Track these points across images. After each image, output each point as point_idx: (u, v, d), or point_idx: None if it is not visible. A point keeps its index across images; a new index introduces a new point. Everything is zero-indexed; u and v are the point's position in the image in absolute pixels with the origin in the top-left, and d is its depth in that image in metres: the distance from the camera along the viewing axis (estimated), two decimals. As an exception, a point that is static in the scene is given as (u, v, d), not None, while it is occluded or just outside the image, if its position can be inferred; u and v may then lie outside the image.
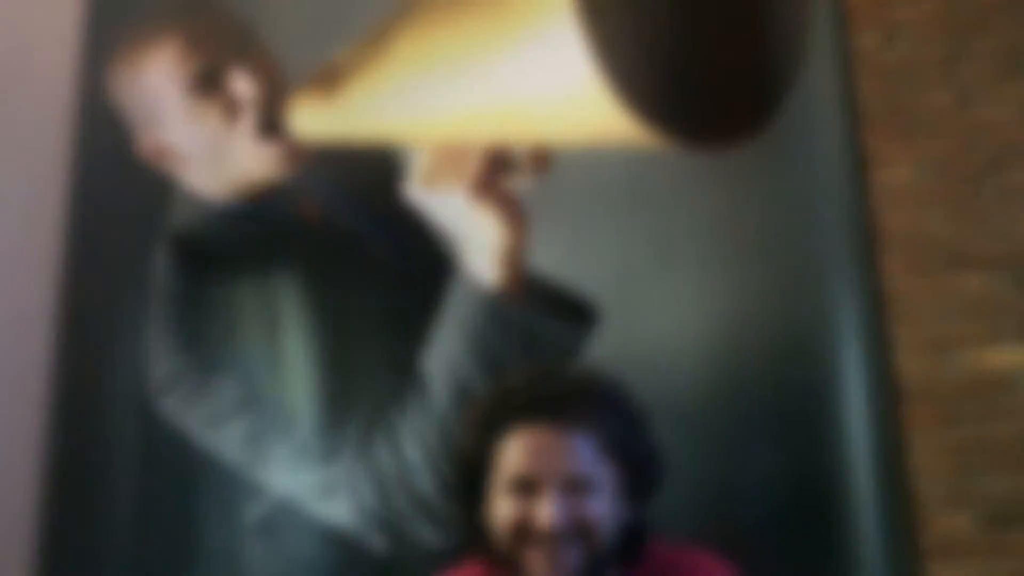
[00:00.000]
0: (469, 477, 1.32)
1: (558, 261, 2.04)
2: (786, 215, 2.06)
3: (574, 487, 1.24)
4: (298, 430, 2.16)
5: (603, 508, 1.25)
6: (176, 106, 2.21)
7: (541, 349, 1.92)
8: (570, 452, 1.25)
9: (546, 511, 1.22)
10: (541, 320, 1.92)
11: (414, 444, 2.05)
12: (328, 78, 1.80)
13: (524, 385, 1.32)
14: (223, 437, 2.19)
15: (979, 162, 2.03)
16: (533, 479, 1.24)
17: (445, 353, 1.97)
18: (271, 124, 2.11)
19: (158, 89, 2.23)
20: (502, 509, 1.25)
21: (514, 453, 1.26)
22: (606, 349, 1.96)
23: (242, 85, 2.15)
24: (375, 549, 2.08)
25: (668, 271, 2.09)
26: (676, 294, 2.07)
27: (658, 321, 2.06)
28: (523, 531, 1.23)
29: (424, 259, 2.10)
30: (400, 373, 2.07)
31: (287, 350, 2.20)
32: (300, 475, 2.14)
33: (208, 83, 2.17)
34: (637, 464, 1.31)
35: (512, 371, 1.43)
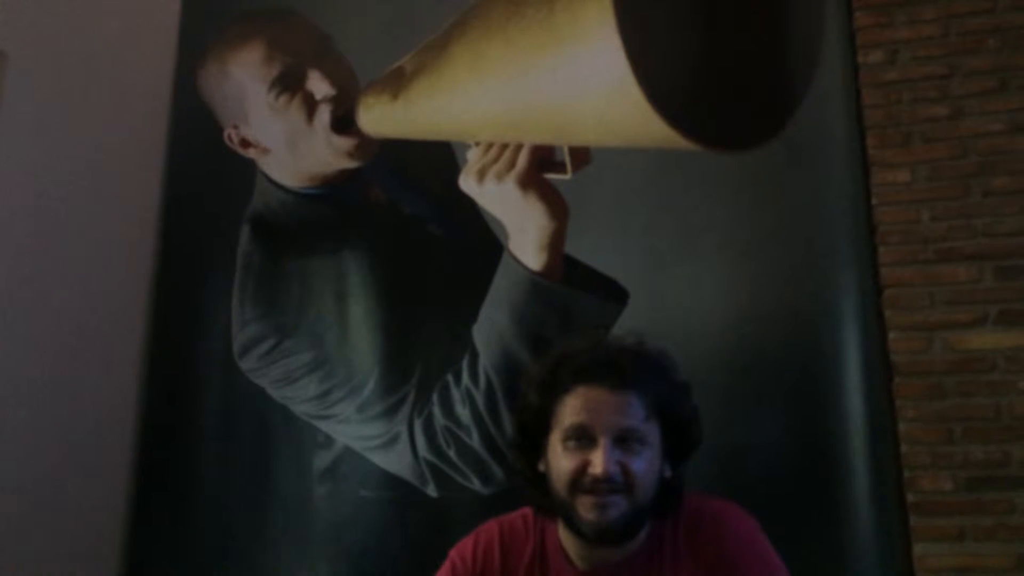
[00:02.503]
0: (531, 431, 1.38)
1: (594, 247, 2.18)
2: (795, 210, 2.18)
3: (626, 440, 1.28)
4: (362, 389, 2.32)
5: (648, 463, 1.29)
6: (259, 102, 2.37)
7: (577, 323, 2.07)
8: (624, 408, 1.30)
9: (600, 459, 1.26)
10: (578, 297, 2.08)
11: (464, 404, 2.22)
12: (394, 80, 1.89)
13: (584, 350, 1.37)
14: (295, 394, 2.38)
15: (968, 167, 2.15)
16: (590, 430, 1.29)
17: (493, 324, 2.14)
18: (344, 120, 2.22)
19: (244, 86, 2.40)
20: (561, 460, 1.30)
21: (573, 407, 1.31)
22: (634, 325, 1.95)
23: (319, 85, 2.29)
24: (428, 494, 2.25)
25: (690, 258, 2.21)
26: (697, 278, 2.20)
27: (680, 301, 2.18)
28: (579, 478, 1.28)
29: (476, 240, 2.25)
30: (453, 341, 2.25)
31: (354, 318, 2.37)
32: (363, 428, 2.32)
33: (289, 82, 2.32)
34: (679, 426, 1.35)
35: (571, 338, 1.48)
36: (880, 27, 2.27)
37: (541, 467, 1.37)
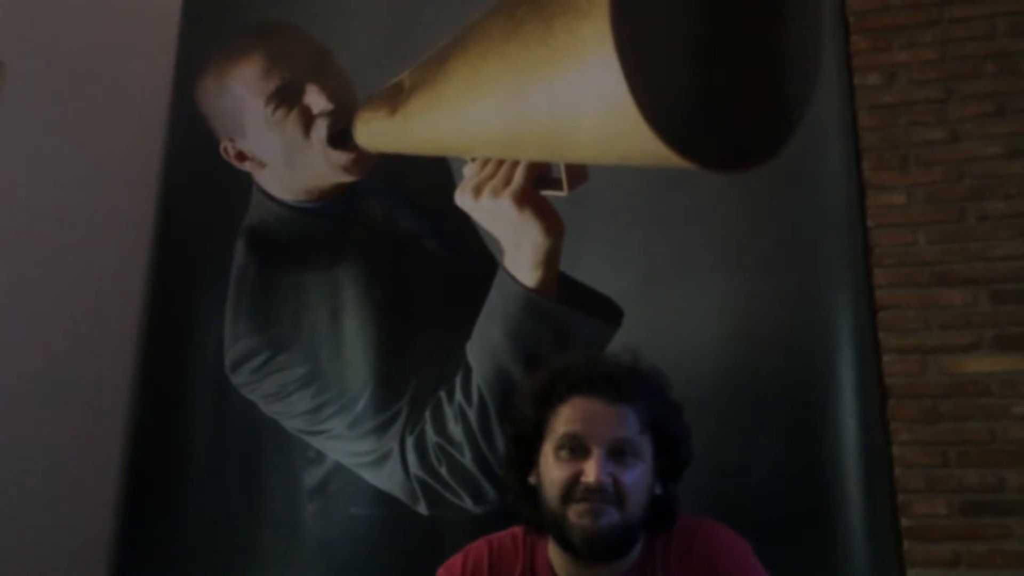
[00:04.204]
0: (525, 443, 1.38)
1: (590, 265, 2.19)
2: (791, 232, 2.17)
3: (619, 452, 1.29)
4: (354, 405, 2.31)
5: (640, 477, 1.30)
6: (257, 116, 2.37)
7: (571, 341, 2.06)
8: (618, 420, 1.30)
9: (593, 468, 1.27)
10: (572, 315, 2.07)
11: (456, 421, 2.21)
12: (392, 96, 1.92)
13: (580, 364, 1.38)
14: (287, 409, 2.36)
15: (964, 191, 2.15)
16: (583, 440, 1.29)
17: (486, 341, 2.13)
18: (341, 134, 2.21)
19: (242, 100, 2.41)
20: (554, 470, 1.31)
21: (568, 417, 1.32)
22: (629, 344, 2.06)
23: (317, 99, 2.30)
24: (419, 512, 2.23)
25: (686, 278, 2.21)
26: (692, 299, 2.19)
27: (675, 322, 2.17)
28: (571, 488, 1.28)
29: (472, 257, 2.25)
30: (447, 357, 2.23)
31: (347, 333, 2.36)
32: (354, 444, 2.30)
33: (287, 96, 2.32)
34: (671, 443, 1.35)
35: (569, 353, 1.48)
36: (877, 51, 2.28)
37: (532, 480, 1.37)
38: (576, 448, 1.30)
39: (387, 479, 2.26)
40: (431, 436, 2.23)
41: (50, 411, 2.27)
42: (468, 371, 2.19)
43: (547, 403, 1.36)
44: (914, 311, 2.12)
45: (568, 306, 2.06)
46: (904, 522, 2.01)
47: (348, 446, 2.31)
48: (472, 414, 2.18)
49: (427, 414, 2.25)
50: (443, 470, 2.21)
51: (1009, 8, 2.22)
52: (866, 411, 2.06)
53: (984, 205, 2.14)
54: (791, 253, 2.17)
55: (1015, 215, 2.12)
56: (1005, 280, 2.09)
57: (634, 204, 2.27)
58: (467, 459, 2.18)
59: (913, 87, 2.24)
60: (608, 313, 2.16)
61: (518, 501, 1.41)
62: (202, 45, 2.66)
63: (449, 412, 2.22)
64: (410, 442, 2.25)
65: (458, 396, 2.21)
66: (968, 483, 2.01)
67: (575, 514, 1.28)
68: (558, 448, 1.31)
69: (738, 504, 1.96)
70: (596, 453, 1.29)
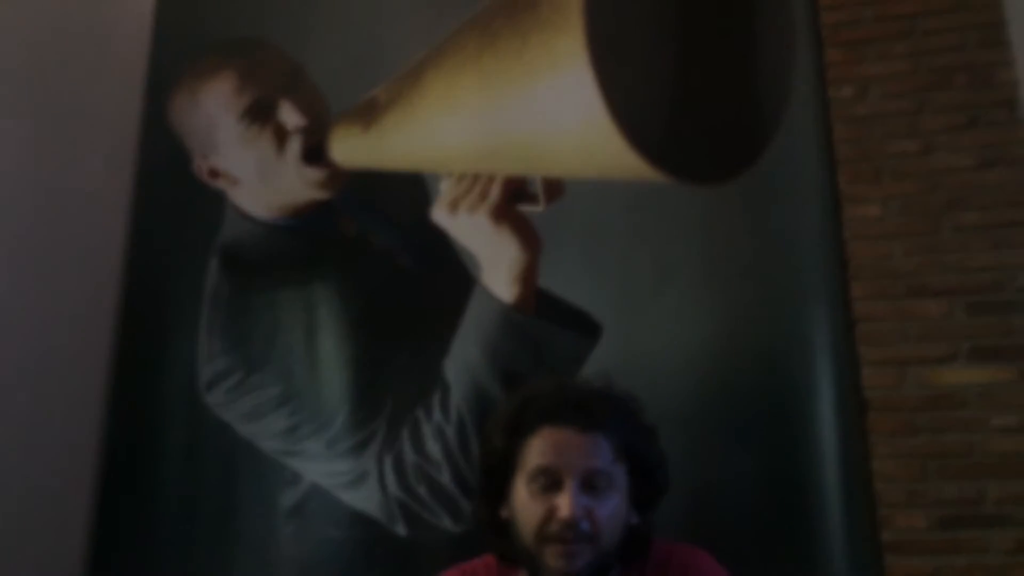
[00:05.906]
0: (495, 474, 1.34)
1: (567, 280, 2.16)
2: (768, 245, 2.17)
3: (593, 483, 1.26)
4: (331, 424, 2.28)
5: (614, 509, 1.27)
6: (230, 132, 2.37)
7: (550, 357, 2.07)
8: (592, 449, 1.27)
9: (567, 502, 1.24)
10: (550, 331, 2.07)
11: (435, 440, 2.18)
12: (366, 111, 1.95)
13: (550, 391, 1.35)
14: (263, 429, 2.33)
15: (939, 203, 2.15)
16: (556, 472, 1.26)
17: (464, 358, 2.13)
18: (315, 151, 2.24)
19: (214, 117, 2.40)
20: (527, 507, 1.27)
21: (539, 449, 1.28)
22: (607, 359, 2.08)
23: (290, 116, 2.30)
24: (397, 533, 2.20)
25: (664, 292, 2.19)
26: (670, 312, 2.17)
27: (654, 336, 2.16)
28: (546, 525, 1.25)
29: (448, 273, 2.22)
30: (424, 375, 2.21)
31: (323, 351, 2.33)
32: (331, 465, 2.26)
33: (260, 113, 2.32)
34: (646, 470, 1.32)
35: (538, 379, 1.45)
36: (850, 63, 2.28)
37: (504, 513, 1.34)
38: (549, 481, 1.27)
39: (365, 499, 2.23)
40: (409, 455, 2.21)
41: (19, 433, 2.22)
42: (446, 389, 2.17)
43: (517, 433, 1.32)
44: (891, 323, 2.12)
45: (546, 321, 2.05)
46: (884, 536, 2.00)
47: (325, 466, 2.27)
48: (451, 432, 2.16)
49: (405, 433, 2.22)
50: (422, 490, 2.18)
51: (979, 20, 2.24)
52: (845, 424, 2.05)
53: (958, 216, 2.14)
54: (767, 266, 2.17)
55: (989, 226, 2.12)
56: (981, 291, 2.09)
57: (610, 218, 2.25)
58: (446, 478, 2.16)
59: (886, 99, 2.25)
60: (586, 328, 2.15)
61: (490, 536, 1.38)
62: (174, 62, 2.64)
63: (427, 431, 2.20)
64: (388, 462, 2.22)
65: (436, 414, 2.18)
66: (947, 496, 2.00)
67: (551, 557, 1.25)
68: (530, 481, 1.28)
69: (716, 519, 1.98)
70: (569, 486, 1.25)
